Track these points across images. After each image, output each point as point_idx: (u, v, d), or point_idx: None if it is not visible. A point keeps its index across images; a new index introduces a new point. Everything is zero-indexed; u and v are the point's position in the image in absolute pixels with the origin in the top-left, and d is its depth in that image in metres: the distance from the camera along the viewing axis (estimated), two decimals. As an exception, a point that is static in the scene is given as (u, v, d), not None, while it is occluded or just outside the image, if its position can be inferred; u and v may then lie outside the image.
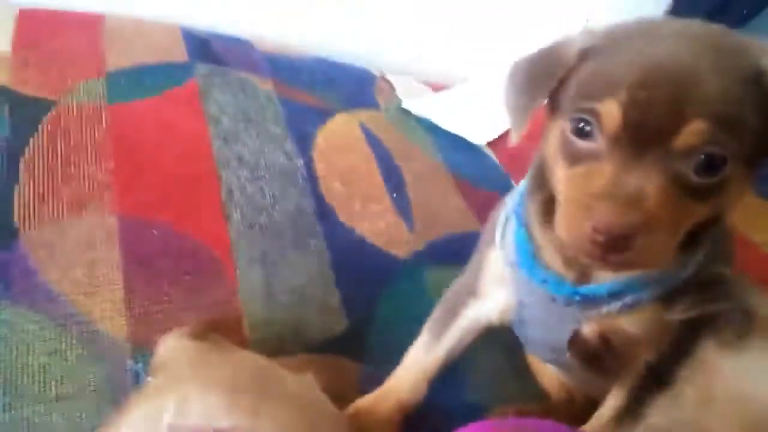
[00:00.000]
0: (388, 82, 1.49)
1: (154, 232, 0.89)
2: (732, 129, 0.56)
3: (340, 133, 1.21)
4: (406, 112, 1.39)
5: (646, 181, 0.56)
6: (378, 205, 1.10)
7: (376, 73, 1.50)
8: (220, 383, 0.62)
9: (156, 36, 1.25)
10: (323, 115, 1.23)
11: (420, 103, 1.42)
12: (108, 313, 0.80)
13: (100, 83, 1.06)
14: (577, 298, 0.70)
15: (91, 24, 1.20)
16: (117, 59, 1.13)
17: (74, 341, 0.77)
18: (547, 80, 0.63)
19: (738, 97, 0.57)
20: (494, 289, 0.78)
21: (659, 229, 0.56)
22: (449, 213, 1.16)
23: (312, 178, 1.09)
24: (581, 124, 0.59)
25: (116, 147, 0.97)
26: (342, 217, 1.05)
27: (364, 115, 1.30)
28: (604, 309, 0.70)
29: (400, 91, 1.46)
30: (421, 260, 1.04)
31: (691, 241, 0.66)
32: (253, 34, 1.42)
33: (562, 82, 0.62)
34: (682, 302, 0.70)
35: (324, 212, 1.05)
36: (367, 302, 0.95)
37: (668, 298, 0.70)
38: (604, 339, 0.76)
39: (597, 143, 0.59)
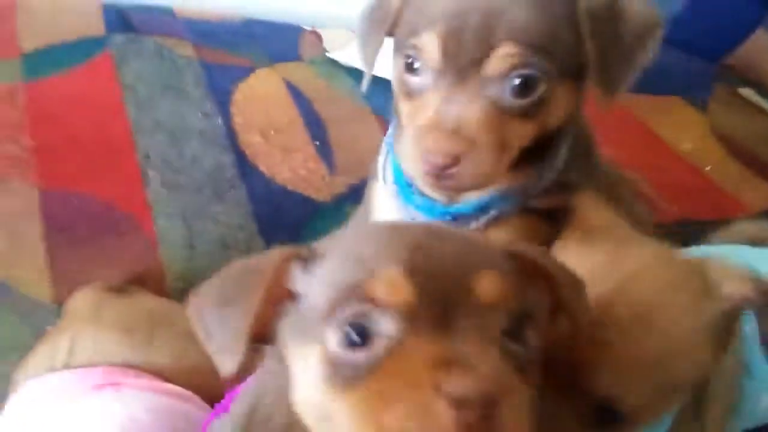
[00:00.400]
0: (316, 34, 1.51)
1: (73, 200, 0.93)
2: (544, 50, 0.60)
3: (260, 88, 1.24)
4: (333, 62, 1.41)
5: (467, 109, 0.60)
6: (299, 153, 1.14)
7: (306, 27, 1.52)
8: (112, 323, 0.67)
9: (74, 13, 1.27)
10: (243, 72, 1.26)
11: (347, 53, 1.44)
12: (33, 278, 0.86)
13: (14, 64, 1.10)
14: (449, 217, 0.74)
15: (4, 8, 1.23)
16: (33, 40, 1.17)
17: (1, 305, 0.82)
18: (379, 26, 0.68)
19: (549, 19, 0.61)
20: (380, 218, 0.82)
21: (483, 152, 0.61)
22: (373, 154, 1.19)
23: (231, 133, 1.13)
24: (409, 60, 0.63)
25: (33, 124, 1.02)
26: (262, 168, 1.10)
27: (287, 68, 1.33)
28: (474, 224, 0.75)
29: (329, 43, 1.49)
30: (342, 201, 1.08)
31: (543, 152, 0.71)
32: (176, 2, 1.44)
33: (395, 26, 0.67)
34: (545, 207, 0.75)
35: (244, 165, 1.09)
36: (288, 244, 1.00)
37: (532, 206, 0.75)
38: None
39: (423, 77, 0.63)
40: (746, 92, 1.55)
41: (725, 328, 0.55)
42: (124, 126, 1.07)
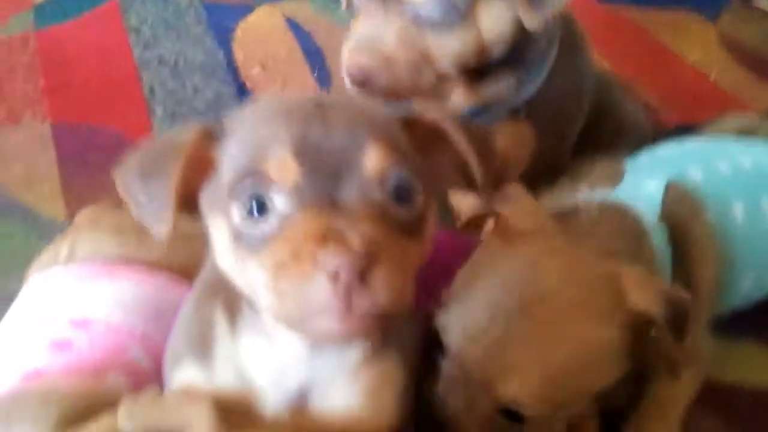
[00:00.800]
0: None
1: (83, 132, 1.01)
2: None
3: (261, 24, 1.29)
4: (334, -2, 1.44)
5: (385, 30, 0.66)
6: (298, 81, 1.19)
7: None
8: (108, 226, 0.74)
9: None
10: (244, 11, 1.31)
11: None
12: (48, 201, 0.94)
13: (26, 15, 1.17)
14: None
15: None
16: (44, -9, 1.24)
17: (19, 225, 0.91)
18: None
19: None
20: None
21: (399, 67, 0.66)
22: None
23: (231, 67, 1.18)
24: None
25: (45, 67, 1.09)
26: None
27: (287, 6, 1.37)
28: None
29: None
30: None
31: (517, 65, 0.75)
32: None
33: None
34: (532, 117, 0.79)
35: (244, 95, 1.14)
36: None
37: (517, 115, 0.79)
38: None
39: (357, 1, 0.69)
40: (762, 2, 1.51)
41: (634, 340, 0.56)
42: (130, 65, 1.14)
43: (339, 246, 0.39)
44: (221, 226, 0.45)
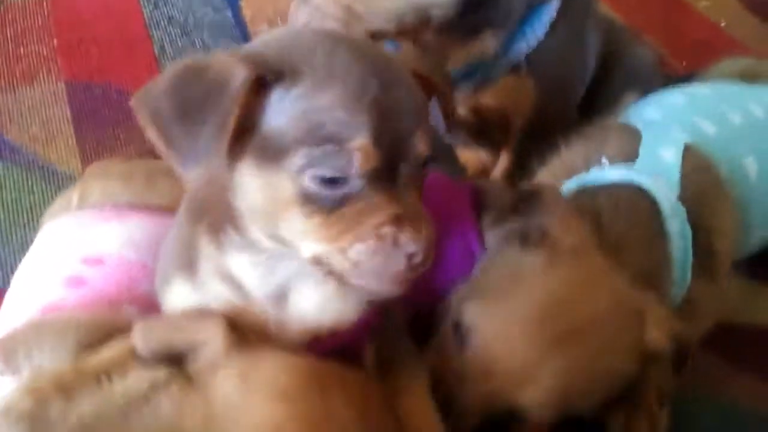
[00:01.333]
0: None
1: (96, 90, 1.04)
2: None
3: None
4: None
5: None
6: (306, 38, 1.20)
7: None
8: (116, 175, 0.77)
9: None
10: (251, -31, 1.31)
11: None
12: (64, 156, 0.97)
13: (40, -24, 1.20)
14: None
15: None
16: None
17: (38, 180, 0.94)
18: None
19: None
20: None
21: (331, 21, 0.68)
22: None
23: (240, 24, 1.20)
24: None
25: (58, 27, 1.13)
26: (271, 54, 1.16)
27: (295, -37, 1.37)
28: (462, 90, 0.81)
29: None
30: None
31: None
32: None
33: None
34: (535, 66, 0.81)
35: (253, 52, 1.16)
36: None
37: (519, 67, 0.81)
38: (477, 114, 0.86)
39: None
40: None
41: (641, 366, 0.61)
42: (141, 23, 1.16)
43: (416, 232, 0.47)
44: (281, 181, 0.46)
